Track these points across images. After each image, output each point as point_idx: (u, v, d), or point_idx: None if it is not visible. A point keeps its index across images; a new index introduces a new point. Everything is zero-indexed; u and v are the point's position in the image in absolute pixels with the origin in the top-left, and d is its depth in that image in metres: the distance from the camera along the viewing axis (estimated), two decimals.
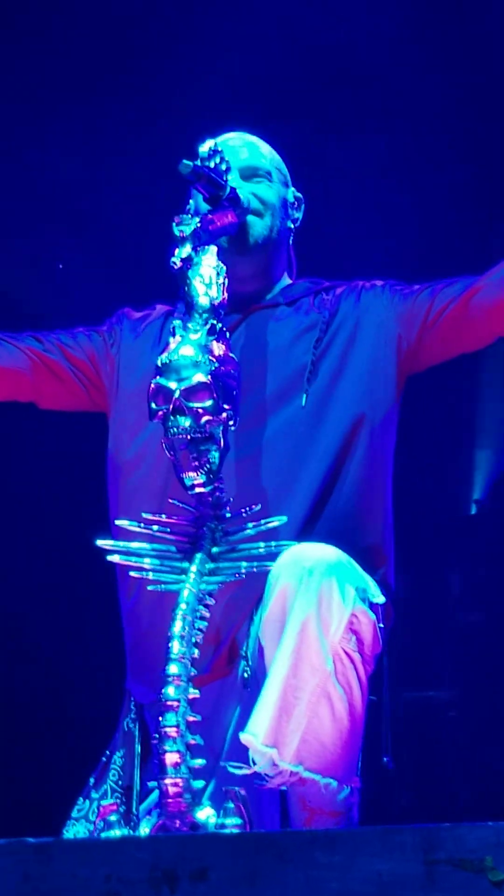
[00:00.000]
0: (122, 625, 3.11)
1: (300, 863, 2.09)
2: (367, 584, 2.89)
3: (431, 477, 4.90)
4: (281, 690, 2.71)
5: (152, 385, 2.76)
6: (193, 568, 2.74)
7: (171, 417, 2.73)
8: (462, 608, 4.90)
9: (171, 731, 2.58)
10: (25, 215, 4.71)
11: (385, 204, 4.69)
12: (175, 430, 2.73)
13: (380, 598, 2.92)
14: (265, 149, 3.26)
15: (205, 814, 2.55)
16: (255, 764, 2.69)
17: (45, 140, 4.66)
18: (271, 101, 4.49)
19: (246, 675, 2.91)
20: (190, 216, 2.90)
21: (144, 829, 2.57)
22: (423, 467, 4.78)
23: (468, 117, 4.60)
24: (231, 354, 2.80)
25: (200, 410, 2.73)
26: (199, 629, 2.68)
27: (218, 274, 2.85)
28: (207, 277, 2.83)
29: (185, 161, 2.94)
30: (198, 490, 2.76)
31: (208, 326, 2.79)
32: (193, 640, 2.66)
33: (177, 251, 2.86)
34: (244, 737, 2.71)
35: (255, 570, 2.75)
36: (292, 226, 3.27)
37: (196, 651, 2.66)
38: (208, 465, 2.74)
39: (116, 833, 2.56)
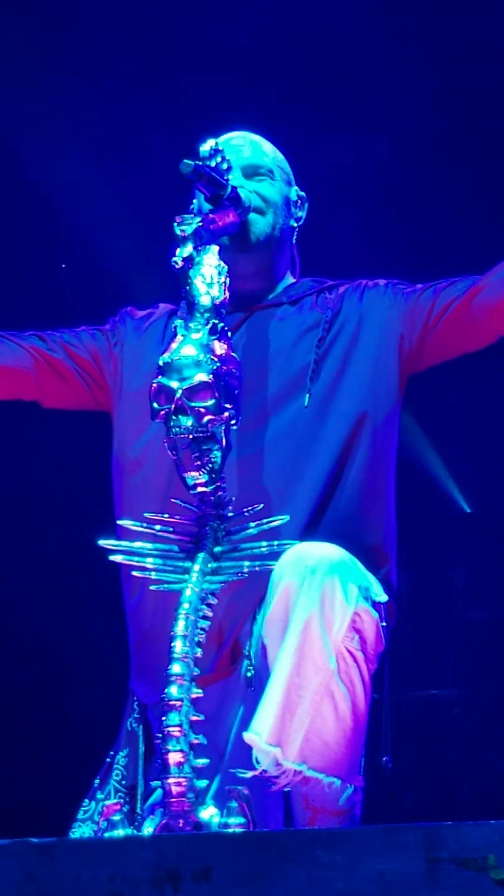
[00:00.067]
0: (126, 624, 3.11)
1: (303, 862, 2.09)
2: (370, 583, 2.89)
3: (434, 474, 4.90)
4: (284, 689, 2.71)
5: (154, 385, 2.76)
6: (196, 567, 2.74)
7: (173, 417, 2.73)
8: (465, 606, 4.90)
9: (175, 731, 2.58)
10: (27, 215, 4.71)
11: (388, 202, 4.69)
12: (177, 429, 2.74)
13: (382, 597, 2.92)
14: (268, 147, 3.26)
15: (208, 813, 2.55)
16: (258, 763, 2.69)
17: (49, 139, 4.66)
18: (274, 100, 4.49)
19: (249, 674, 2.91)
20: (192, 215, 2.90)
21: (148, 829, 2.57)
22: (426, 465, 4.78)
23: (471, 116, 4.60)
24: (233, 353, 2.80)
25: (202, 410, 2.73)
26: (202, 629, 2.68)
27: (219, 273, 2.84)
28: (209, 277, 2.83)
29: (186, 160, 2.94)
30: (200, 489, 2.76)
31: (210, 326, 2.79)
32: (196, 639, 2.66)
33: (178, 250, 2.86)
34: (248, 736, 2.71)
35: (257, 569, 2.76)
36: (295, 224, 3.27)
37: (199, 650, 2.66)
38: (210, 465, 2.75)
39: (120, 833, 2.56)
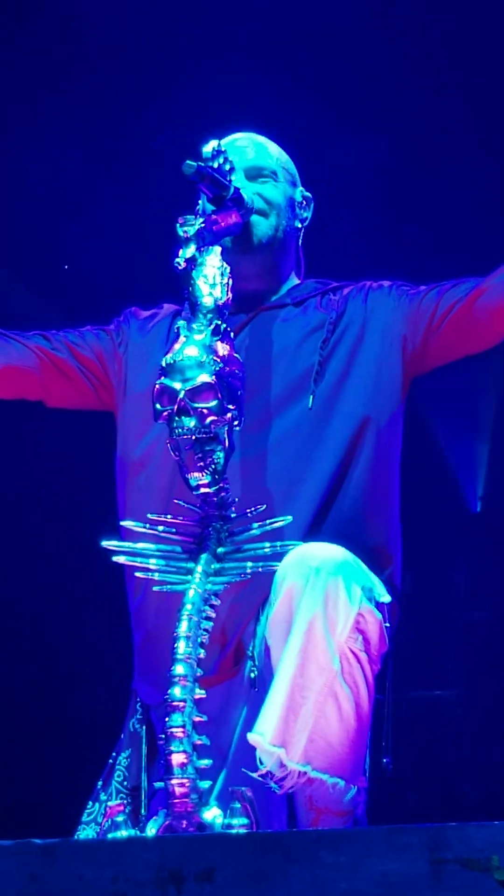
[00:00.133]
0: (130, 625, 3.11)
1: (306, 863, 2.09)
2: (374, 584, 2.89)
3: (436, 474, 4.90)
4: (288, 690, 2.71)
5: (157, 386, 2.76)
6: (199, 568, 2.74)
7: (176, 418, 2.74)
8: (467, 606, 4.90)
9: (178, 732, 2.58)
10: (29, 215, 4.71)
11: (390, 203, 4.69)
12: (180, 430, 2.74)
13: (386, 598, 2.92)
14: (272, 148, 3.26)
15: (211, 814, 2.55)
16: (262, 764, 2.69)
17: (51, 139, 4.66)
18: (275, 100, 4.49)
19: (253, 675, 2.91)
20: (194, 217, 2.91)
21: (151, 830, 2.57)
22: (429, 464, 4.78)
23: (476, 116, 4.60)
24: (235, 355, 2.80)
25: (205, 411, 2.73)
26: (205, 629, 2.68)
27: (222, 274, 2.85)
28: (212, 278, 2.84)
29: (188, 161, 2.94)
30: (203, 490, 2.76)
31: (213, 327, 2.79)
32: (199, 640, 2.66)
33: (181, 252, 2.86)
34: (252, 737, 2.71)
35: (260, 570, 2.76)
36: (300, 225, 3.26)
37: (202, 651, 2.66)
38: (213, 466, 2.75)
39: (123, 834, 2.56)
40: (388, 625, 2.91)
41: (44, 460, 4.73)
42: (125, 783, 3.01)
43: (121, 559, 2.81)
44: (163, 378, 2.76)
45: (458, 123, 4.63)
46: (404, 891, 2.07)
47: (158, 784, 2.62)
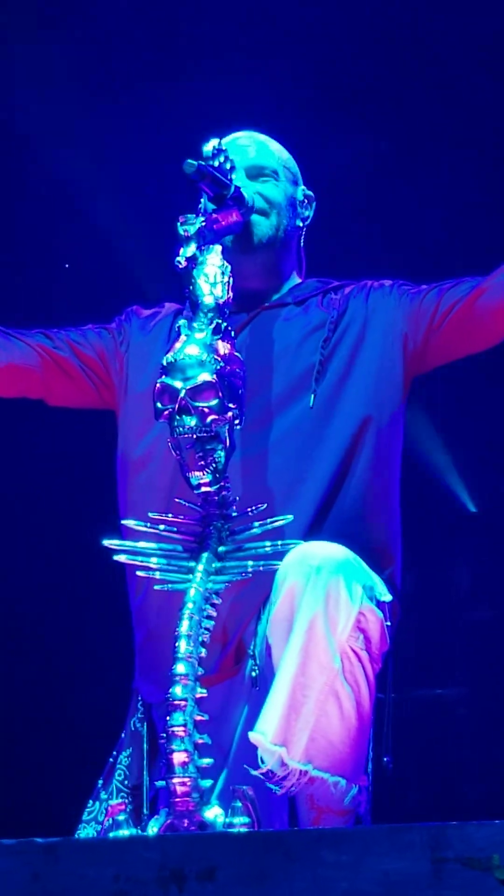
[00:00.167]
0: (131, 624, 3.11)
1: (308, 862, 2.09)
2: (375, 583, 2.89)
3: (439, 474, 4.90)
4: (289, 689, 2.71)
5: (158, 384, 2.77)
6: (200, 567, 2.74)
7: (177, 417, 2.74)
8: (469, 605, 4.90)
9: (179, 731, 2.58)
10: (32, 214, 4.71)
11: (395, 203, 4.68)
12: (181, 429, 2.74)
13: (387, 597, 2.92)
14: (274, 147, 3.26)
15: (213, 813, 2.55)
16: (263, 763, 2.70)
17: (52, 138, 4.66)
18: (276, 99, 4.49)
19: (254, 674, 2.91)
20: (195, 215, 2.91)
21: (152, 829, 2.57)
22: (430, 464, 4.78)
23: (477, 115, 4.60)
24: (236, 353, 2.80)
25: (206, 409, 2.73)
26: (206, 628, 2.68)
27: (223, 273, 2.85)
28: (212, 276, 2.84)
29: (189, 160, 2.94)
30: (204, 489, 2.76)
31: (213, 325, 2.79)
32: (200, 639, 2.66)
33: (181, 250, 2.86)
34: (253, 736, 2.71)
35: (261, 569, 2.76)
36: (302, 224, 3.26)
37: (203, 650, 2.66)
38: (214, 465, 2.75)
39: (124, 833, 2.56)
40: (388, 624, 2.91)
41: (44, 459, 4.72)
42: (126, 782, 3.01)
43: (122, 558, 2.81)
44: (164, 377, 2.76)
45: (459, 123, 4.62)
46: (405, 890, 2.07)
47: (160, 783, 2.62)
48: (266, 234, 3.16)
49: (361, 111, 4.64)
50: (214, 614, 2.71)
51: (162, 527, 2.80)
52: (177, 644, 2.64)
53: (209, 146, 3.00)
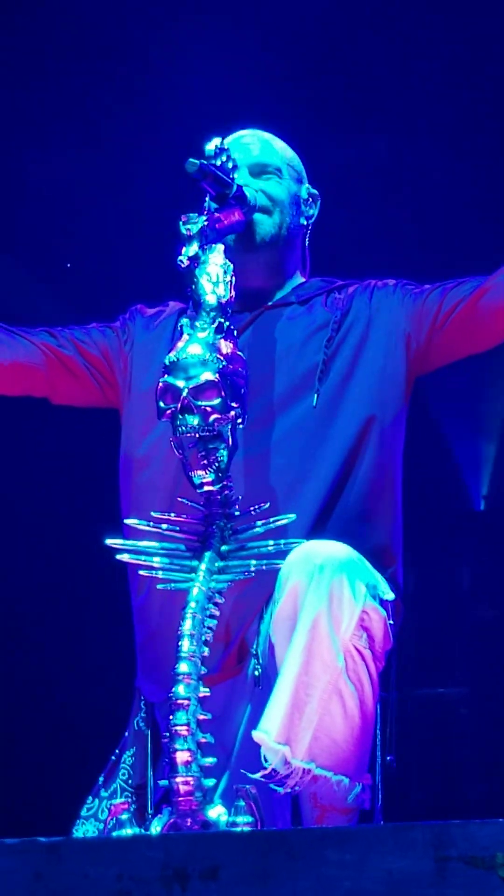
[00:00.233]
0: (133, 623, 3.11)
1: (311, 861, 2.09)
2: (378, 581, 2.89)
3: (441, 472, 4.90)
4: (293, 688, 2.71)
5: (160, 384, 2.77)
6: (203, 566, 2.74)
7: (180, 416, 2.74)
8: (472, 605, 4.90)
9: (182, 730, 2.58)
10: (35, 212, 4.71)
11: (399, 202, 4.68)
12: (183, 428, 2.74)
13: (389, 595, 2.92)
14: (278, 145, 3.25)
15: (216, 812, 2.56)
16: (267, 762, 2.70)
17: (54, 137, 4.66)
18: (277, 99, 4.49)
19: (257, 673, 2.91)
20: (197, 214, 2.91)
21: (155, 828, 2.57)
22: (432, 463, 4.78)
23: (479, 114, 4.60)
24: (239, 353, 2.80)
25: (208, 409, 2.73)
26: (209, 627, 2.68)
27: (225, 272, 2.85)
28: (215, 276, 2.84)
29: (191, 159, 2.94)
30: (206, 488, 2.76)
31: (216, 325, 2.79)
32: (203, 638, 2.66)
33: (184, 250, 2.86)
34: (256, 734, 2.71)
35: (264, 568, 2.76)
36: (306, 223, 3.26)
37: (206, 649, 2.66)
38: (217, 464, 2.75)
39: (127, 832, 2.56)
40: (391, 622, 2.91)
41: (47, 458, 4.73)
42: (130, 781, 3.01)
43: (125, 557, 2.81)
44: (166, 376, 2.76)
45: (464, 122, 4.62)
46: (409, 888, 2.07)
47: (163, 782, 2.62)
48: (269, 232, 3.16)
49: (366, 110, 4.64)
50: (217, 613, 2.71)
51: (165, 526, 2.80)
52: (180, 643, 2.64)
53: (211, 145, 3.00)
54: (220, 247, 2.88)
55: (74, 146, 4.67)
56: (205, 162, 2.96)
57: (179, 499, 2.85)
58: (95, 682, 4.50)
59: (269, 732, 2.69)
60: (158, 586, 2.77)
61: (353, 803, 2.76)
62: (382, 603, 2.88)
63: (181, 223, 2.89)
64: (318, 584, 2.74)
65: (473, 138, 4.61)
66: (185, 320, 2.82)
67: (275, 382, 3.06)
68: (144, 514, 2.85)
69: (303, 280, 3.25)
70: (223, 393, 2.73)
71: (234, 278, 2.85)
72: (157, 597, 2.92)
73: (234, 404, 2.75)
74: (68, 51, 4.61)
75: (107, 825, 2.86)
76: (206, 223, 2.89)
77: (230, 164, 3.02)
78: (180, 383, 2.74)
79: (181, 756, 2.57)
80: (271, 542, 2.77)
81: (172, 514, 2.82)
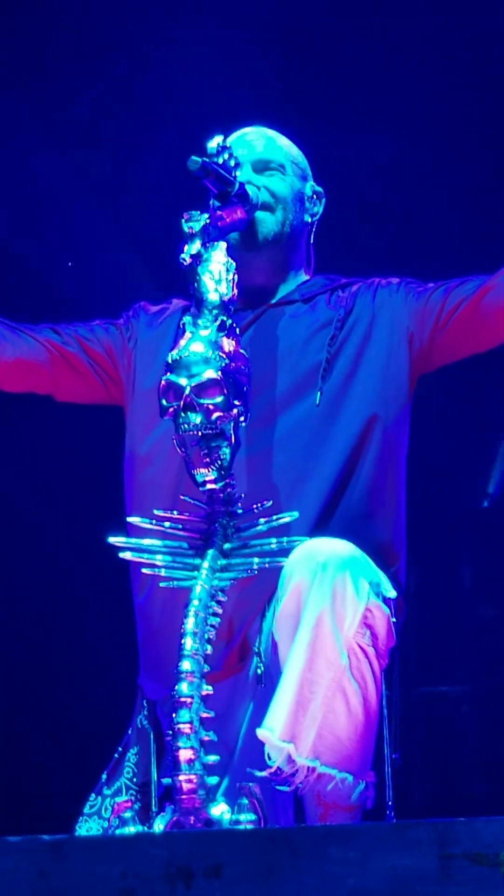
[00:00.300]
0: (135, 620, 3.11)
1: (315, 858, 2.09)
2: (381, 579, 2.89)
3: (444, 471, 4.89)
4: (297, 685, 2.71)
5: (163, 382, 2.77)
6: (205, 564, 2.74)
7: (182, 414, 2.74)
8: (475, 603, 4.90)
9: (185, 728, 2.58)
10: (37, 210, 4.71)
11: (404, 200, 4.68)
12: (186, 426, 2.74)
13: (392, 593, 2.92)
14: (283, 142, 3.25)
15: (219, 810, 2.56)
16: (271, 759, 2.70)
17: (55, 135, 4.66)
18: (278, 98, 4.49)
19: (259, 671, 2.91)
20: (200, 212, 2.90)
21: (159, 826, 2.57)
22: (435, 461, 4.77)
23: (481, 113, 4.59)
24: (241, 350, 2.80)
25: (211, 407, 2.73)
26: (212, 625, 2.68)
27: (227, 270, 2.84)
28: (217, 273, 2.83)
29: (193, 157, 2.94)
30: (209, 486, 2.76)
31: (218, 322, 2.79)
32: (206, 636, 2.66)
33: (186, 247, 2.86)
34: (261, 732, 2.71)
35: (267, 565, 2.75)
36: (310, 220, 3.25)
37: (209, 647, 2.66)
38: (219, 462, 2.75)
39: (131, 830, 2.56)
40: (394, 620, 2.91)
41: (50, 456, 4.72)
42: (135, 780, 3.01)
43: (127, 555, 2.81)
44: (168, 374, 2.76)
45: (469, 119, 4.62)
46: (413, 886, 2.07)
47: (166, 780, 2.62)
48: (271, 230, 3.16)
49: (369, 109, 4.64)
50: (220, 611, 2.71)
51: (167, 524, 2.80)
52: (183, 641, 2.64)
53: (213, 143, 3.00)
54: (223, 244, 2.87)
55: (78, 143, 4.66)
56: (207, 160, 2.96)
57: (182, 497, 2.84)
58: (97, 680, 4.50)
59: (273, 730, 2.70)
60: (161, 584, 2.77)
61: (356, 801, 2.76)
62: (385, 600, 2.88)
63: (183, 221, 2.89)
64: (321, 582, 2.74)
65: (477, 136, 4.60)
66: (187, 318, 2.82)
67: (277, 380, 3.06)
68: (147, 511, 2.84)
69: (307, 278, 3.25)
70: (226, 391, 2.73)
71: (236, 276, 2.84)
72: (160, 595, 2.92)
73: (236, 402, 2.75)
74: (69, 50, 4.61)
75: (110, 823, 2.86)
76: (208, 221, 2.89)
77: (232, 162, 3.02)
78: (183, 381, 2.74)
79: (184, 754, 2.57)
80: (274, 540, 2.76)
81: (175, 512, 2.82)
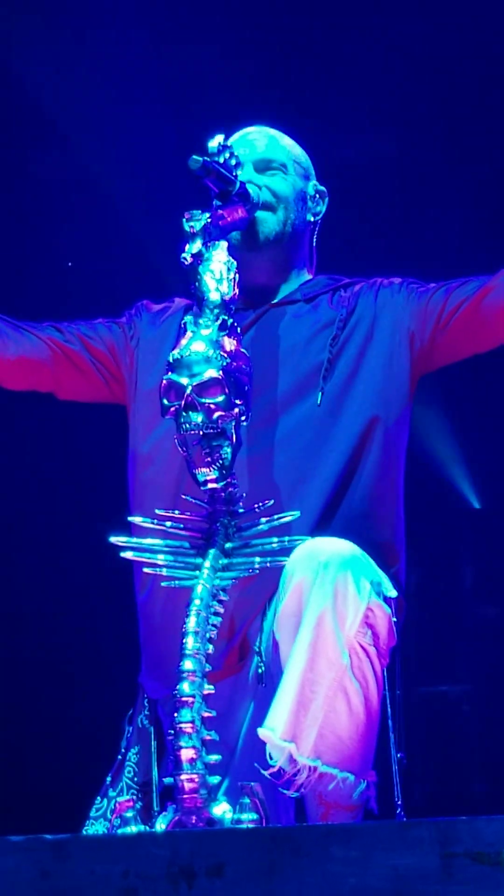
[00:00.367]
0: (137, 619, 3.11)
1: (317, 857, 2.09)
2: (381, 578, 2.90)
3: (443, 470, 4.90)
4: (298, 685, 2.71)
5: (164, 381, 2.76)
6: (207, 564, 2.74)
7: (183, 413, 2.73)
8: (475, 603, 4.90)
9: (186, 727, 2.58)
10: (40, 208, 4.72)
11: (396, 200, 4.68)
12: (187, 425, 2.74)
13: (393, 592, 2.92)
14: (285, 141, 3.25)
15: (221, 809, 2.55)
16: (272, 759, 2.70)
17: (56, 135, 4.66)
18: (279, 97, 4.49)
19: (260, 670, 2.91)
20: (200, 211, 2.90)
21: (160, 825, 2.57)
22: (434, 461, 4.78)
23: (484, 112, 4.60)
24: (242, 350, 2.80)
25: (212, 406, 2.73)
26: (214, 625, 2.68)
27: (228, 269, 2.84)
28: (218, 273, 2.83)
29: (194, 156, 2.94)
30: (210, 486, 2.76)
31: (219, 322, 2.79)
32: (208, 635, 2.66)
33: (187, 247, 2.86)
34: (262, 732, 2.71)
35: (268, 565, 2.75)
36: (313, 219, 3.25)
37: (210, 647, 2.66)
38: (221, 461, 2.75)
39: (133, 829, 2.56)
40: (395, 619, 2.91)
41: (52, 454, 4.73)
42: (136, 779, 3.01)
43: (129, 555, 2.81)
44: (170, 373, 2.76)
45: (466, 121, 4.62)
46: (414, 885, 2.07)
47: (168, 780, 2.62)
48: (272, 230, 3.16)
49: (371, 109, 4.64)
50: (222, 611, 2.71)
51: (169, 523, 2.80)
52: (184, 641, 2.64)
53: (214, 142, 3.00)
54: (224, 244, 2.87)
55: (80, 142, 4.66)
56: (208, 159, 2.96)
57: (184, 496, 2.84)
58: (99, 679, 4.50)
59: (274, 730, 2.70)
60: (163, 584, 2.77)
61: (357, 800, 2.76)
62: (386, 600, 2.88)
63: (184, 220, 2.88)
64: (322, 581, 2.74)
65: (478, 136, 4.61)
66: (188, 317, 2.82)
67: (279, 380, 3.06)
68: (149, 511, 2.85)
69: (309, 277, 3.24)
70: (227, 390, 2.73)
71: (237, 275, 2.84)
72: (161, 594, 2.92)
73: (238, 401, 2.74)
74: (69, 49, 4.61)
75: (112, 823, 2.86)
76: (209, 220, 2.89)
77: (233, 161, 3.02)
78: (184, 380, 2.74)
79: (186, 753, 2.57)
80: (275, 540, 2.76)
81: (177, 512, 2.82)
